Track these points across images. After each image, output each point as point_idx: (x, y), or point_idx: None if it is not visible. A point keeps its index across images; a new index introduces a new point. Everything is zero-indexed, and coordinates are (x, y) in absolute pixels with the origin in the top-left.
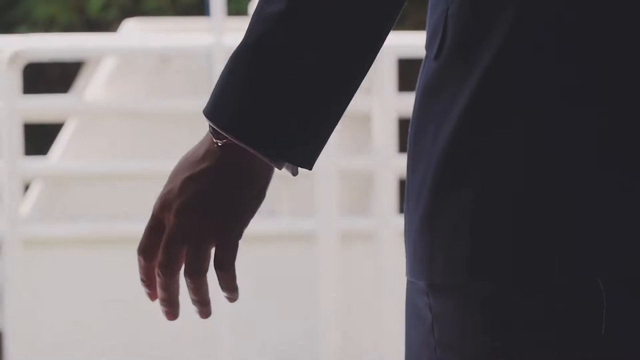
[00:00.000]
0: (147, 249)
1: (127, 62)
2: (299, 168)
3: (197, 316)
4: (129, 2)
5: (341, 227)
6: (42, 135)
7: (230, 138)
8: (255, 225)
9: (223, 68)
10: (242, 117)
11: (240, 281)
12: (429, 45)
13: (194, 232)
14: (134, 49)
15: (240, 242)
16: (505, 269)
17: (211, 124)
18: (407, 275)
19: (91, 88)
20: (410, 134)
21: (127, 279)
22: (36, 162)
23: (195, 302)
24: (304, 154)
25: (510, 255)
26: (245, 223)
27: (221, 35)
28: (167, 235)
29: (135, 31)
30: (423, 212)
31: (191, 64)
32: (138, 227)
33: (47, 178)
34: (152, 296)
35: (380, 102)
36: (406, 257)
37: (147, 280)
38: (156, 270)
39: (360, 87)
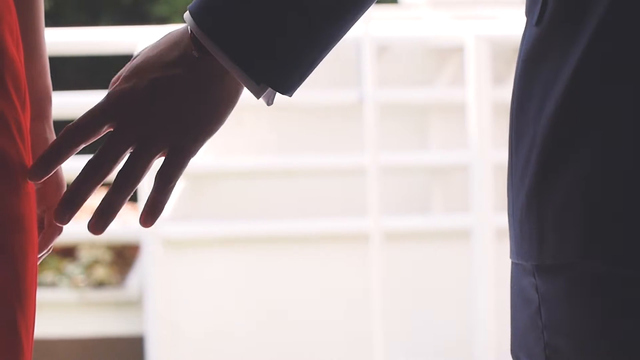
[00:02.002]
0: (82, 130)
1: None
2: (274, 98)
3: (347, 318)
4: None
5: (497, 223)
6: None
7: (212, 53)
8: (409, 222)
9: None
10: (231, 29)
11: (394, 278)
12: (529, 11)
13: (148, 137)
14: None
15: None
16: (619, 247)
17: (194, 29)
18: (511, 257)
19: None
20: (512, 107)
21: (272, 281)
22: None
23: (106, 205)
24: (288, 80)
25: (625, 231)
26: (201, 143)
27: (369, 25)
28: (117, 131)
29: None
30: (529, 188)
31: (338, 55)
32: (286, 227)
33: (188, 175)
34: (36, 174)
35: None
36: (510, 238)
37: (50, 160)
38: (91, 160)
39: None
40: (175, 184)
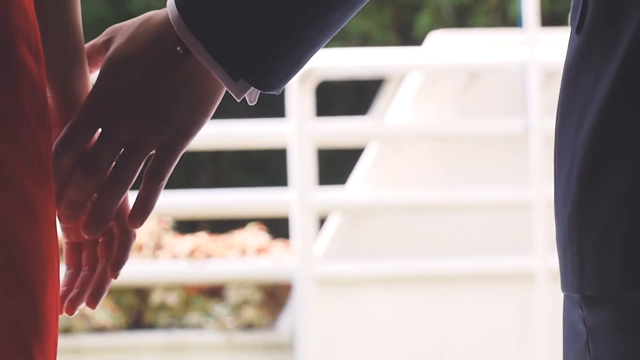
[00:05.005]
0: (75, 143)
1: (433, 79)
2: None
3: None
4: (456, 19)
5: None
6: (339, 162)
7: (189, 47)
8: None
9: None
10: (211, 24)
11: (561, 320)
12: (571, 19)
13: (137, 140)
14: (440, 65)
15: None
16: None
17: (178, 25)
18: (561, 288)
19: (393, 109)
20: (555, 125)
21: (433, 323)
22: (332, 193)
23: (99, 210)
24: (271, 77)
25: None
26: (191, 138)
27: (535, 49)
28: (106, 135)
29: (442, 45)
30: (571, 213)
31: (504, 81)
32: (446, 265)
33: (345, 211)
34: (57, 199)
35: None
36: (559, 267)
37: (58, 176)
38: (82, 168)
39: None
40: (165, 181)
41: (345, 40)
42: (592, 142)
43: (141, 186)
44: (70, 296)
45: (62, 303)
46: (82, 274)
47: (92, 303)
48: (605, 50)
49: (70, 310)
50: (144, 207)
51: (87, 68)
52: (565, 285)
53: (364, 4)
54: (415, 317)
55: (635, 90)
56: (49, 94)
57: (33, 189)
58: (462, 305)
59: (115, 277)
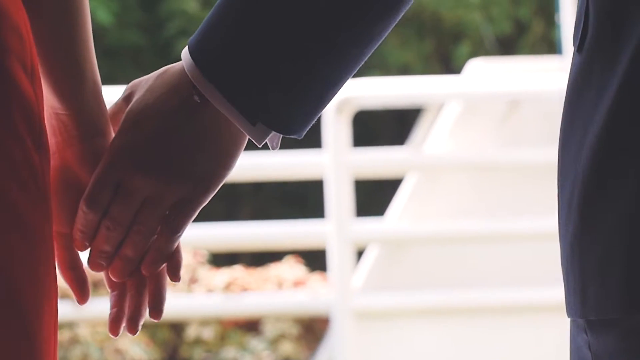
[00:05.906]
0: (99, 202)
1: (472, 108)
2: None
3: None
4: (499, 50)
5: None
6: (377, 193)
7: (202, 90)
8: None
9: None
10: (225, 69)
11: None
12: (574, 38)
13: (155, 194)
14: (479, 93)
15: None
16: None
17: (191, 70)
18: (566, 313)
19: (432, 138)
20: (558, 147)
21: (474, 355)
22: (370, 225)
23: (125, 261)
24: (290, 120)
25: None
26: (212, 192)
27: None
28: (126, 191)
29: (481, 72)
30: (572, 236)
31: (544, 109)
32: (488, 297)
33: (383, 242)
34: (83, 246)
35: None
36: (564, 292)
37: (88, 232)
38: (106, 224)
39: None
40: (182, 233)
41: (385, 70)
42: (593, 165)
43: (157, 236)
44: (128, 315)
45: (116, 325)
46: (130, 294)
47: (157, 314)
48: (606, 69)
49: (133, 330)
50: (158, 256)
51: (99, 83)
52: (569, 310)
53: (382, 39)
54: (456, 350)
55: (636, 110)
56: (63, 112)
57: (29, 212)
58: (504, 337)
59: (178, 280)
